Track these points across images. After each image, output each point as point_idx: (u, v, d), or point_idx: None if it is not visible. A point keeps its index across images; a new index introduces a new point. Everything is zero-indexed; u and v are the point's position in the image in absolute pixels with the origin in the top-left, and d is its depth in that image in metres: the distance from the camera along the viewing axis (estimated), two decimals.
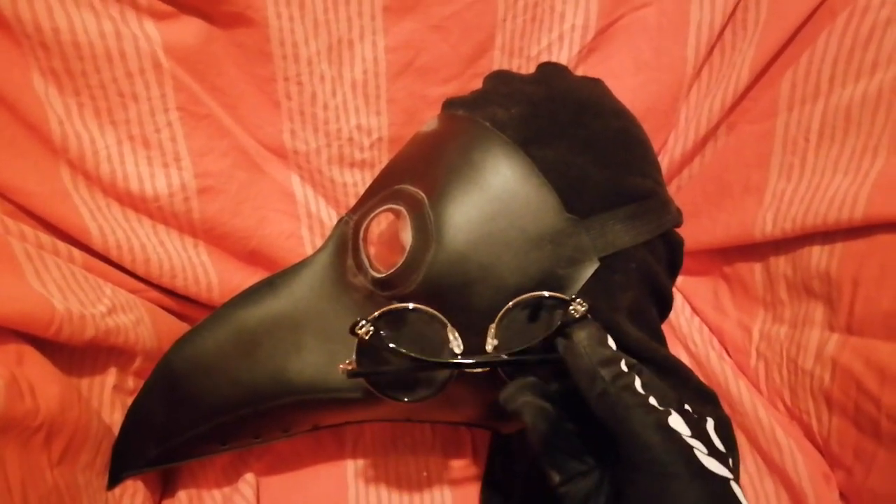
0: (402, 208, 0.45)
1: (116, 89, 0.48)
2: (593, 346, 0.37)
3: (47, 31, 0.44)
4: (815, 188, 0.54)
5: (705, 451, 0.33)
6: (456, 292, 0.42)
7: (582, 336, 0.38)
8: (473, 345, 0.42)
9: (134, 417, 0.51)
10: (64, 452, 0.44)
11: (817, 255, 0.54)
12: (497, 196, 0.43)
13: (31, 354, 0.43)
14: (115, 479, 0.50)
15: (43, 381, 0.43)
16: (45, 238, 0.48)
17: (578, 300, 0.41)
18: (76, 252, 0.50)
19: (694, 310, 0.69)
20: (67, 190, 0.49)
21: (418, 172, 0.47)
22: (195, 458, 0.52)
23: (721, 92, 0.60)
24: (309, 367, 0.47)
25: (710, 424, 0.37)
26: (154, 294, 0.56)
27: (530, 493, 0.52)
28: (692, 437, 0.33)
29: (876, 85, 0.49)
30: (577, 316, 0.41)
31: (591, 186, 0.44)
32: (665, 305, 0.51)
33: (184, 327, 0.60)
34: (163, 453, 0.50)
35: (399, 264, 0.44)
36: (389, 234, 0.56)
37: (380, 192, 0.48)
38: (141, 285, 0.55)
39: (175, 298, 0.58)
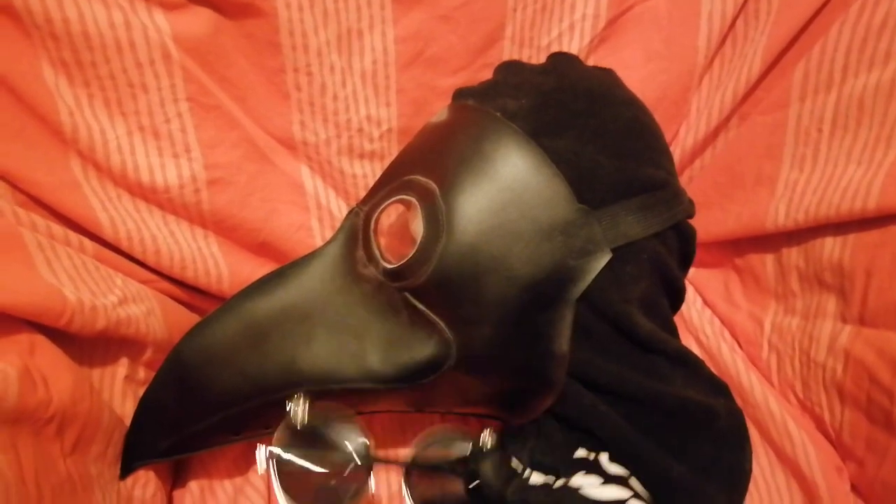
0: (413, 199, 0.45)
1: (126, 80, 0.48)
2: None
3: (57, 22, 0.44)
4: (828, 179, 0.53)
5: (600, 482, 0.41)
6: (466, 283, 0.42)
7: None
8: (467, 334, 0.42)
9: (145, 408, 0.51)
10: (76, 443, 0.44)
11: (830, 246, 0.54)
12: (508, 186, 0.43)
13: (43, 345, 0.43)
14: (126, 470, 0.50)
15: (55, 371, 0.43)
16: (57, 228, 0.48)
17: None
18: (87, 243, 0.51)
19: (705, 302, 0.69)
20: (78, 180, 0.49)
21: (429, 163, 0.46)
22: (207, 449, 0.52)
23: (733, 82, 0.60)
24: (319, 358, 0.47)
25: (603, 457, 0.44)
26: (164, 285, 0.56)
27: None
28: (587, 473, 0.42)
29: (889, 74, 0.49)
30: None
31: (602, 177, 0.44)
32: (677, 297, 0.51)
33: (194, 318, 0.60)
34: (174, 444, 0.51)
35: (410, 255, 0.44)
36: (400, 225, 0.57)
37: (390, 183, 0.48)
38: (151, 276, 0.55)
39: (185, 289, 0.58)
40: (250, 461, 0.57)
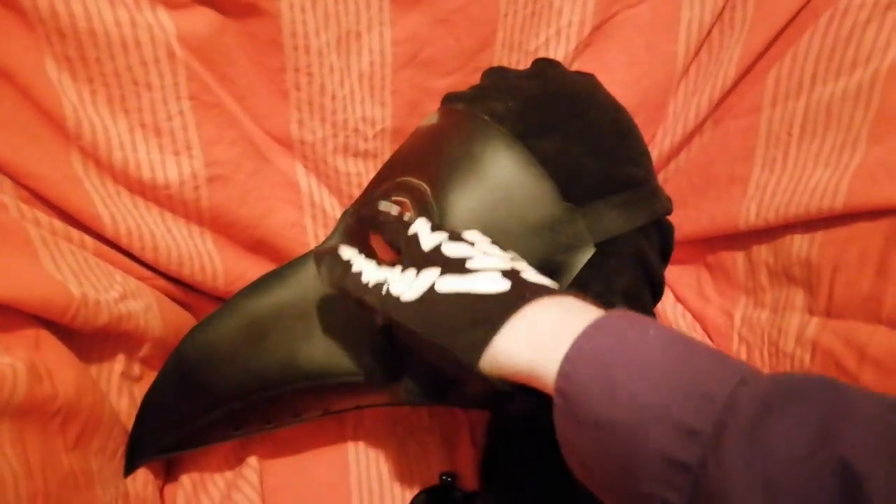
0: (406, 200, 0.46)
1: (130, 77, 0.48)
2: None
3: (64, 18, 0.44)
4: (797, 179, 0.56)
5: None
6: None
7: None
8: None
9: (149, 406, 0.51)
10: (78, 437, 0.44)
11: (798, 243, 0.57)
12: (497, 186, 0.45)
13: (47, 339, 0.43)
14: (131, 467, 0.50)
15: (60, 365, 0.43)
16: (59, 224, 0.49)
17: None
18: (87, 239, 0.51)
19: (677, 297, 0.72)
20: (79, 176, 0.49)
21: (421, 165, 0.48)
22: (208, 445, 0.53)
23: (709, 88, 0.62)
24: (318, 353, 0.48)
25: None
26: (160, 282, 0.57)
27: (533, 473, 0.54)
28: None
29: (855, 82, 0.52)
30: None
31: (586, 175, 0.46)
32: (658, 289, 0.53)
33: (188, 316, 0.60)
34: (177, 440, 0.51)
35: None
36: None
37: (383, 184, 0.49)
38: (147, 273, 0.55)
39: (179, 287, 0.59)
40: (241, 455, 0.57)
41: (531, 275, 0.36)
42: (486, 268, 0.36)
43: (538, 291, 0.34)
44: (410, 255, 0.39)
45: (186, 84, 0.51)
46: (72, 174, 0.49)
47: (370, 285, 0.38)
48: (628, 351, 0.29)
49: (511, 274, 0.35)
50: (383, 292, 0.37)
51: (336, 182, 0.62)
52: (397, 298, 0.36)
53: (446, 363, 0.36)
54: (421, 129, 0.52)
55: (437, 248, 0.38)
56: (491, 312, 0.33)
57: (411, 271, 0.37)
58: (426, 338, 0.35)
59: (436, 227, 0.40)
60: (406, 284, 0.37)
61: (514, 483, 0.55)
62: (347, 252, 0.42)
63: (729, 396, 0.26)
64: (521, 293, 0.34)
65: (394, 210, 0.45)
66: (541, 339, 0.31)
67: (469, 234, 0.40)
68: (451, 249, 0.38)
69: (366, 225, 0.49)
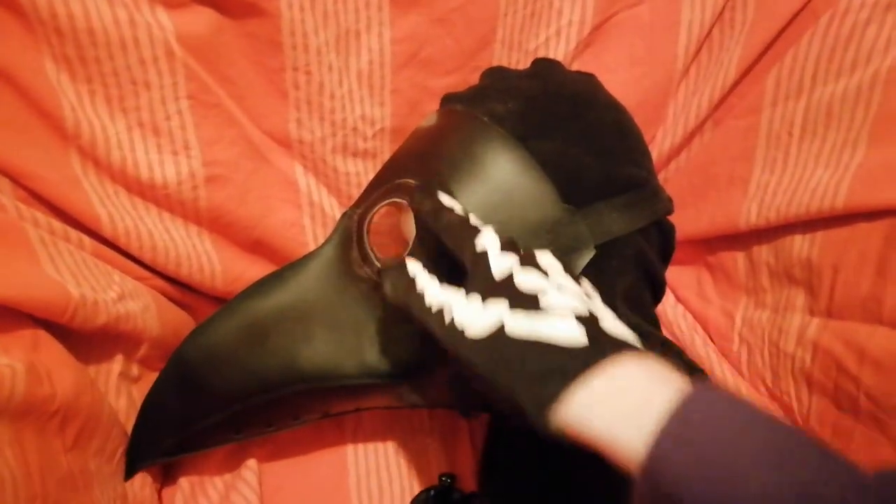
0: (404, 201, 0.46)
1: (129, 76, 0.48)
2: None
3: (62, 18, 0.44)
4: (797, 180, 0.56)
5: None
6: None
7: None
8: None
9: (149, 408, 0.51)
10: (77, 438, 0.44)
11: (799, 244, 0.57)
12: (497, 188, 0.45)
13: (46, 340, 0.43)
14: (131, 470, 0.50)
15: (58, 366, 0.43)
16: (57, 225, 0.48)
17: None
18: (86, 239, 0.50)
19: (678, 298, 0.72)
20: (77, 176, 0.49)
21: (420, 166, 0.48)
22: (208, 448, 0.53)
23: (709, 89, 0.62)
24: (319, 355, 0.48)
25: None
26: (158, 282, 0.56)
27: (532, 475, 0.54)
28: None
29: (856, 82, 0.52)
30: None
31: (587, 177, 0.46)
32: (659, 290, 0.54)
33: (186, 316, 0.60)
34: (177, 443, 0.51)
35: (403, 256, 0.45)
36: (392, 227, 0.58)
37: (382, 185, 0.49)
38: (145, 273, 0.55)
39: (177, 287, 0.59)
40: (240, 457, 0.57)
41: (609, 322, 0.34)
42: (561, 307, 0.34)
43: (617, 346, 0.32)
44: (477, 278, 0.37)
45: (185, 83, 0.50)
46: (70, 174, 0.49)
47: (433, 310, 0.37)
48: (728, 439, 0.28)
49: (588, 321, 0.34)
50: (447, 321, 0.36)
51: (335, 181, 0.62)
52: (462, 332, 0.35)
53: (507, 407, 0.34)
54: (420, 130, 0.52)
55: (507, 278, 0.36)
56: (565, 365, 0.31)
57: (476, 297, 0.36)
58: (491, 380, 0.33)
59: (505, 244, 0.38)
60: (472, 315, 0.35)
61: (513, 484, 0.55)
62: (413, 266, 0.40)
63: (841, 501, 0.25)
64: (599, 348, 0.32)
65: (458, 208, 0.42)
66: (623, 409, 0.30)
67: (542, 257, 0.38)
68: (524, 281, 0.36)
69: (362, 228, 0.48)
